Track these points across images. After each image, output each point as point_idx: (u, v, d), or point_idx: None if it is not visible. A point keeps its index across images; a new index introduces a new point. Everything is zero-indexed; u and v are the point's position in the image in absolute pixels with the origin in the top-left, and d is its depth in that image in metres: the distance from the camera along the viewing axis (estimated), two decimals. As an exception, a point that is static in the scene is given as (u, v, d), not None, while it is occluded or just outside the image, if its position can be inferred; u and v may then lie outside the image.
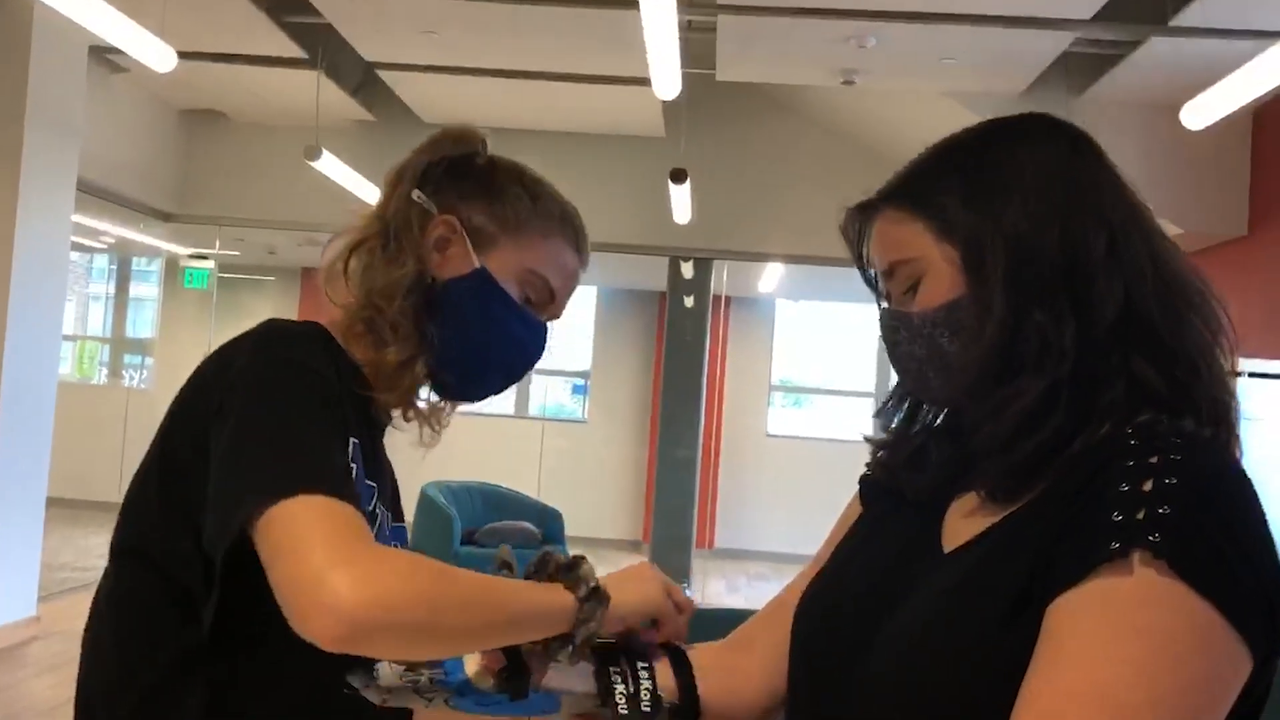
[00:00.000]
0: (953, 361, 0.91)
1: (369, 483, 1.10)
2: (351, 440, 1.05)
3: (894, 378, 1.04)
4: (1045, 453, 0.86)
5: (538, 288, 1.20)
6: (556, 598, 0.98)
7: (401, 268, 1.14)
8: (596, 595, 0.99)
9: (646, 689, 1.00)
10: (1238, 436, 0.88)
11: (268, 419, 0.99)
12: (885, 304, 0.99)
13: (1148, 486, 0.78)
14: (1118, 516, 0.78)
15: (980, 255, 0.89)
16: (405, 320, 1.14)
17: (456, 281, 1.17)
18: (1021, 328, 0.87)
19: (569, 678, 1.00)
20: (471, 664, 0.98)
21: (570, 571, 1.00)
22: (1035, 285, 0.88)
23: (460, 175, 1.21)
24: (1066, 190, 0.90)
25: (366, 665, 0.97)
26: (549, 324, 1.24)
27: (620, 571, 1.07)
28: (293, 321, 1.12)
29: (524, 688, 0.97)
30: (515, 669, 0.97)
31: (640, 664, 1.02)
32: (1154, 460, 0.80)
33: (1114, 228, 0.89)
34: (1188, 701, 0.74)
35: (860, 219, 1.00)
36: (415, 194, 1.18)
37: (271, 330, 1.08)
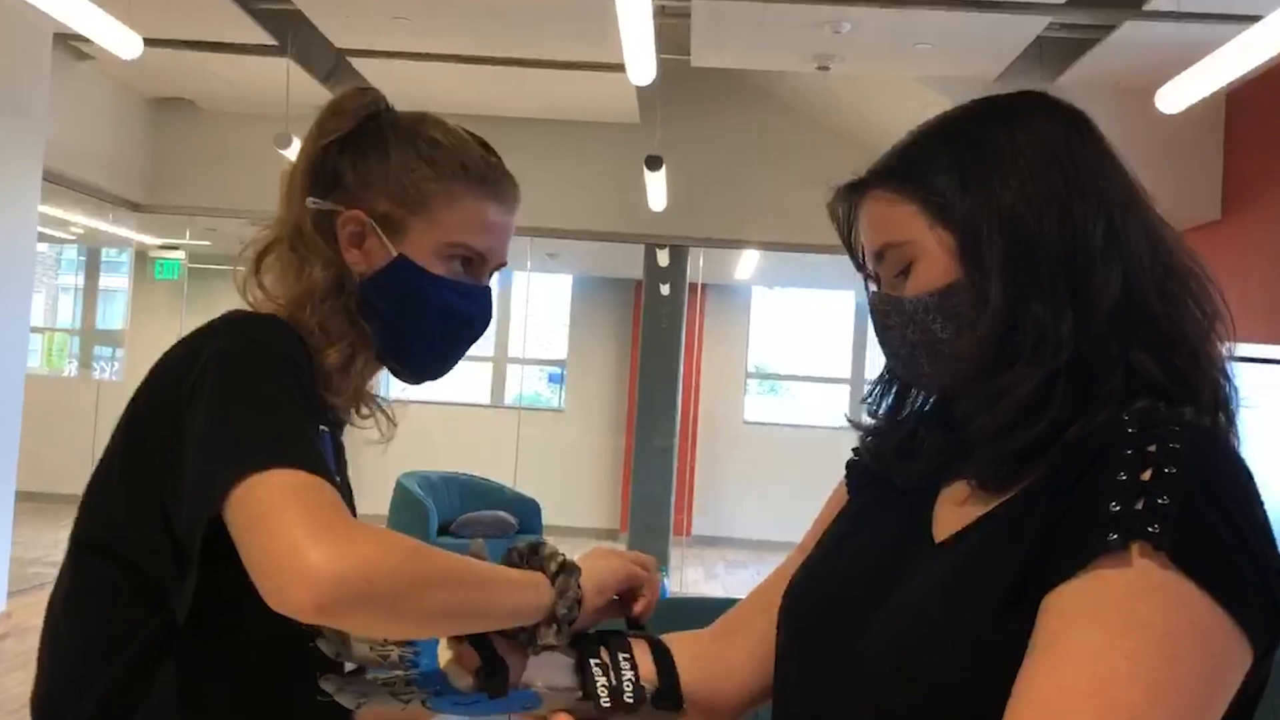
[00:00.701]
0: (945, 348, 0.89)
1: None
2: (321, 428, 1.04)
3: (871, 364, 1.03)
4: (1041, 442, 0.84)
5: (459, 258, 1.16)
6: (531, 577, 0.98)
7: (310, 276, 1.12)
8: (566, 568, 0.99)
9: (629, 680, 0.98)
10: (1235, 425, 0.87)
11: (242, 399, 0.98)
12: (874, 286, 0.97)
13: (1146, 476, 0.76)
14: (1115, 507, 0.76)
15: (977, 243, 0.87)
16: (333, 322, 1.12)
17: (380, 274, 1.14)
18: (1019, 318, 0.85)
19: (549, 673, 0.98)
20: (444, 655, 0.96)
21: (534, 556, 1.01)
22: (1033, 274, 0.85)
23: (357, 154, 1.16)
24: (1065, 173, 0.88)
25: (339, 669, 0.95)
26: (494, 276, 1.22)
27: (581, 556, 1.07)
28: (256, 313, 1.11)
29: (503, 685, 0.95)
30: (492, 667, 0.95)
31: (622, 655, 1.00)
32: (1152, 449, 0.78)
33: (1112, 212, 0.87)
34: (1187, 696, 0.72)
35: (849, 199, 0.97)
36: (309, 201, 1.14)
37: (239, 318, 1.08)
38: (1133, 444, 0.79)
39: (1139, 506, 0.75)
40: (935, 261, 0.89)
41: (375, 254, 1.15)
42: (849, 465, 1.07)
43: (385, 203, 1.15)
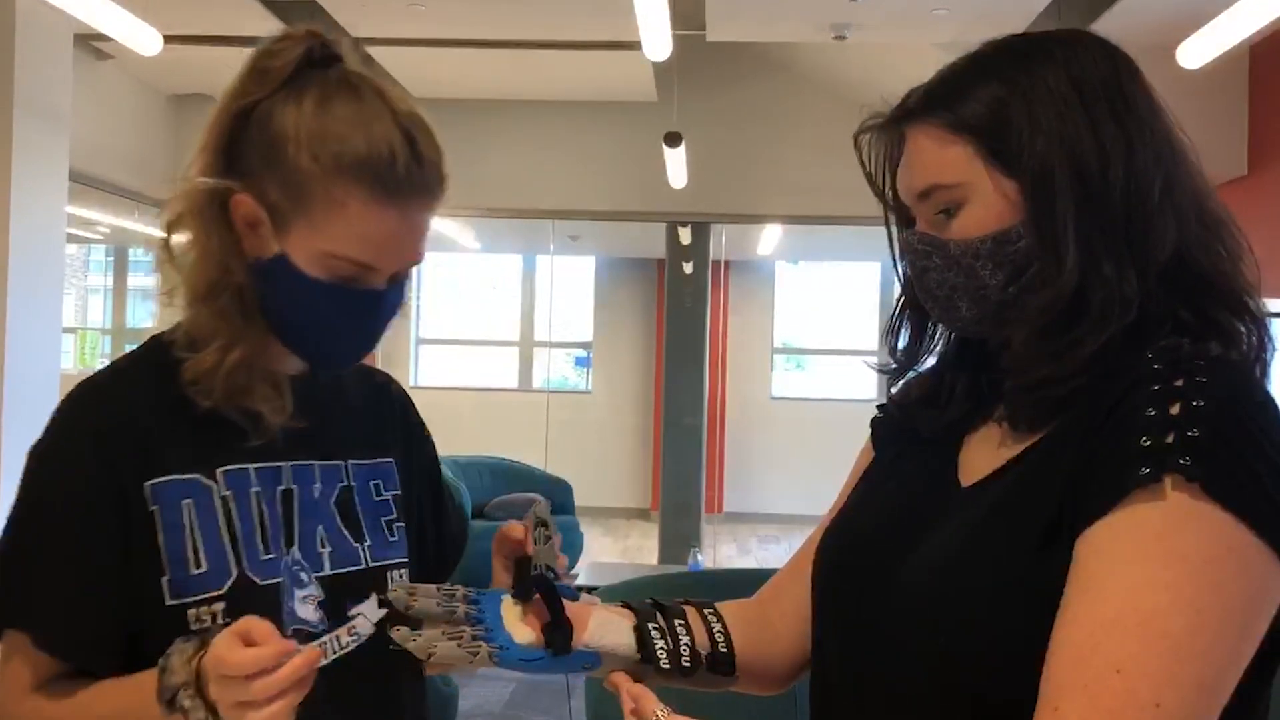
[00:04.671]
0: (991, 295, 0.88)
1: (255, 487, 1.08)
2: (148, 488, 1.03)
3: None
4: (1082, 388, 0.84)
5: (344, 268, 1.03)
6: (138, 698, 0.94)
7: (194, 273, 1.05)
8: (184, 711, 0.91)
9: (685, 645, 1.00)
10: (1268, 372, 0.87)
11: (13, 538, 1.04)
12: (895, 220, 0.96)
13: (1175, 410, 0.77)
14: (1146, 442, 0.76)
15: (1047, 193, 0.85)
16: (211, 322, 1.05)
17: (262, 267, 1.05)
18: (1088, 274, 0.84)
19: (610, 635, 1.00)
20: (511, 611, 0.98)
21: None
22: (1100, 228, 0.84)
23: (265, 122, 1.03)
24: (1122, 119, 0.86)
25: (411, 623, 0.97)
26: (410, 271, 1.09)
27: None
28: (96, 378, 1.11)
29: (567, 642, 0.97)
30: (557, 622, 0.97)
31: (677, 620, 1.02)
32: (1179, 383, 0.78)
33: (1167, 161, 0.86)
34: (1229, 624, 0.73)
35: (890, 132, 0.95)
36: (199, 181, 1.04)
37: (58, 408, 1.11)
38: (1159, 379, 0.79)
39: (1169, 440, 0.76)
40: (989, 206, 0.87)
41: (266, 243, 1.04)
42: (873, 423, 1.08)
43: (275, 190, 1.02)
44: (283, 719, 0.86)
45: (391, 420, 1.26)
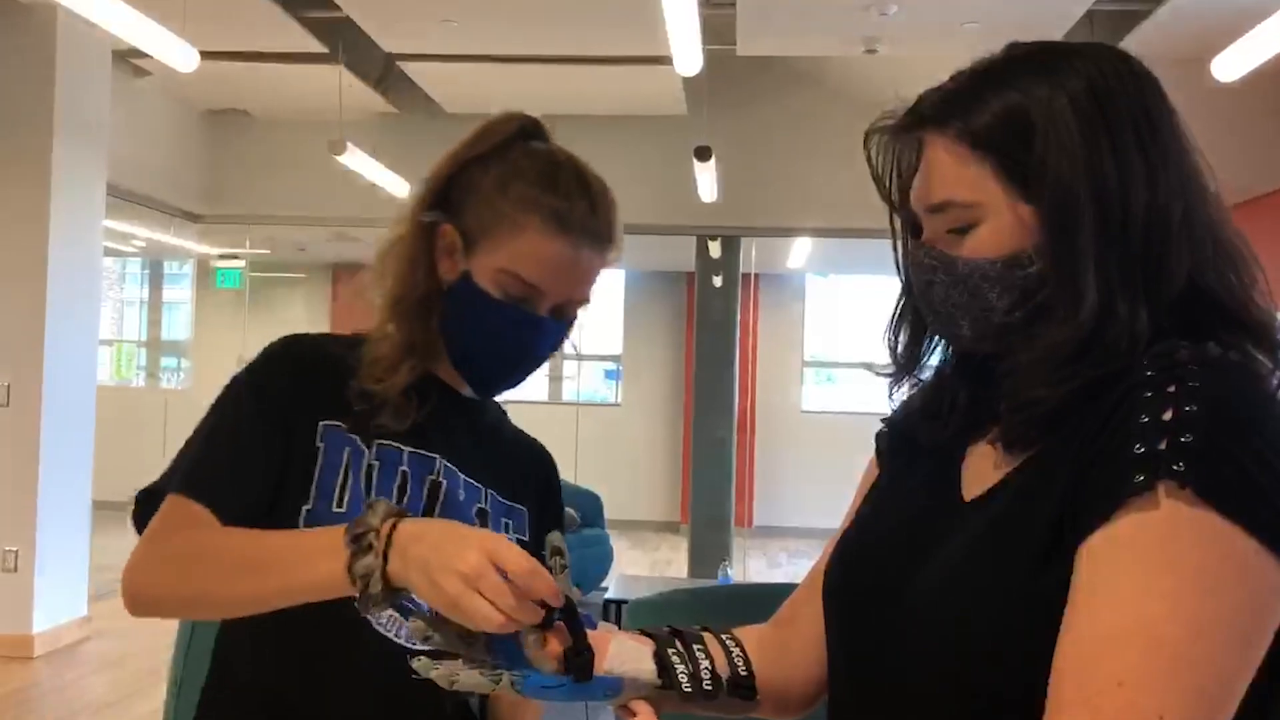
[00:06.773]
0: (995, 318, 0.87)
1: (373, 459, 1.21)
2: (322, 426, 1.19)
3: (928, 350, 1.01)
4: (1071, 405, 0.83)
5: (514, 285, 1.19)
6: (329, 545, 0.98)
7: (413, 286, 1.22)
8: (363, 549, 0.96)
9: (706, 668, 0.99)
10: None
11: (202, 425, 1.21)
12: (901, 224, 0.95)
13: (1167, 416, 0.76)
14: (1139, 449, 0.75)
15: (1068, 226, 0.83)
16: (402, 333, 1.22)
17: (451, 287, 1.22)
18: (1104, 315, 0.82)
19: (630, 661, 0.99)
20: (530, 638, 0.98)
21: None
22: (1120, 267, 0.82)
23: (472, 174, 1.22)
24: (1146, 146, 0.84)
25: (432, 653, 0.97)
26: (576, 313, 1.25)
27: (433, 532, 0.95)
28: (299, 336, 1.27)
29: (588, 667, 0.96)
30: (580, 650, 0.96)
31: (696, 645, 1.01)
32: (1172, 389, 0.77)
33: (1188, 191, 0.84)
34: (1230, 630, 0.72)
35: (902, 138, 0.93)
36: (422, 215, 1.22)
37: (268, 345, 1.25)
38: (1152, 386, 0.78)
39: (1162, 446, 0.75)
40: (1003, 228, 0.86)
41: (456, 266, 1.22)
42: (878, 436, 1.07)
43: (470, 219, 1.21)
44: (491, 625, 0.90)
45: (534, 478, 1.37)
